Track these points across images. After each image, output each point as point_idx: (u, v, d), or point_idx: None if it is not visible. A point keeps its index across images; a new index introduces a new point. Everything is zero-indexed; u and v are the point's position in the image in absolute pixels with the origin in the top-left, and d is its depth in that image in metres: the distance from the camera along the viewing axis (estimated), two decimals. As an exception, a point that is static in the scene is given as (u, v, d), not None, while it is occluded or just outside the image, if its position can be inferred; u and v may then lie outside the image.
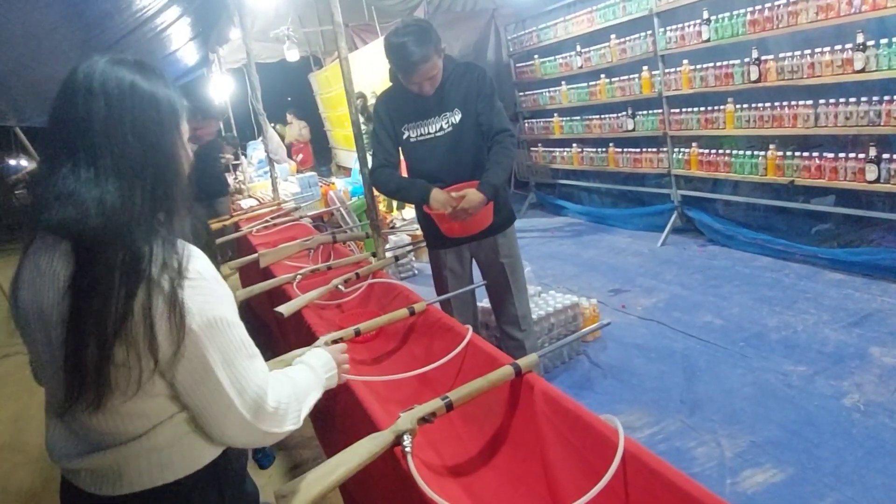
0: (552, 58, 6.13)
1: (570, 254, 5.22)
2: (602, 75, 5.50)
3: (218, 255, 2.05)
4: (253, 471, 2.62)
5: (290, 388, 1.10)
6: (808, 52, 3.68)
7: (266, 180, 6.47)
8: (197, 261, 0.94)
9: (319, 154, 10.76)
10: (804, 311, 3.33)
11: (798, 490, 2.04)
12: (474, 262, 2.59)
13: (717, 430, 2.42)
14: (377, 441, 1.18)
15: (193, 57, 7.29)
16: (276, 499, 1.07)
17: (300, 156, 9.75)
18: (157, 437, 0.98)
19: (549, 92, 6.31)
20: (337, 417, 1.80)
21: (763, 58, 3.96)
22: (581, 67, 5.75)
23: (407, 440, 1.17)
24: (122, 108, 0.93)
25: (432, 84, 2.25)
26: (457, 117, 2.32)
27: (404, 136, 2.37)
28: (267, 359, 1.68)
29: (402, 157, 2.47)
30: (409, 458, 1.13)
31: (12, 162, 16.35)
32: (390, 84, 2.41)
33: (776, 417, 2.44)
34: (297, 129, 9.95)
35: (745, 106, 4.18)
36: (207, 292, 0.93)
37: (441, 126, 2.32)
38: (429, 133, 2.34)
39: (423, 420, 1.23)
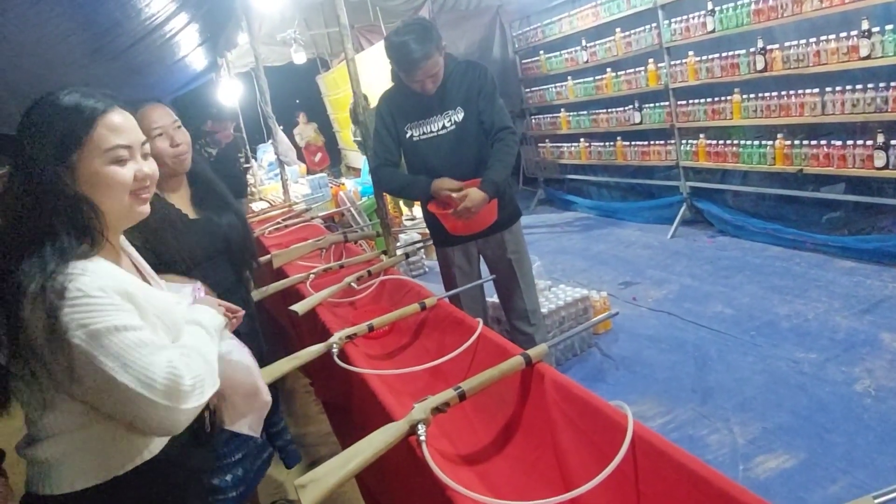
0: (558, 53, 6.15)
1: (579, 248, 5.24)
2: (608, 69, 5.51)
3: (255, 254, 2.09)
4: (277, 469, 2.66)
5: (200, 359, 1.11)
6: (813, 40, 3.67)
7: (276, 183, 6.53)
8: (80, 279, 0.97)
9: (329, 155, 10.84)
10: (815, 299, 3.34)
11: (810, 475, 2.06)
12: (482, 258, 2.62)
13: (730, 418, 2.44)
14: (392, 431, 1.21)
15: (202, 62, 7.35)
16: (296, 489, 1.10)
17: (318, 155, 9.90)
18: (86, 435, 1.05)
19: (555, 87, 6.33)
20: (353, 411, 1.84)
21: (769, 47, 3.96)
22: (587, 62, 5.76)
23: (421, 429, 1.20)
24: None
25: (434, 82, 2.27)
26: (459, 115, 2.34)
27: (407, 135, 2.39)
28: (280, 357, 1.74)
29: (401, 157, 2.50)
30: (424, 446, 1.16)
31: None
32: (392, 84, 2.44)
33: (788, 404, 2.46)
34: (311, 130, 10.08)
35: (751, 96, 4.18)
36: (90, 307, 0.96)
37: (444, 124, 2.35)
38: (431, 132, 2.36)
39: (437, 410, 1.26)
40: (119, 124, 1.08)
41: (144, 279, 1.25)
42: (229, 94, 6.86)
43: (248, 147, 7.82)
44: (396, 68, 2.29)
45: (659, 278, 4.11)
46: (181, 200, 1.86)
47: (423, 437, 1.18)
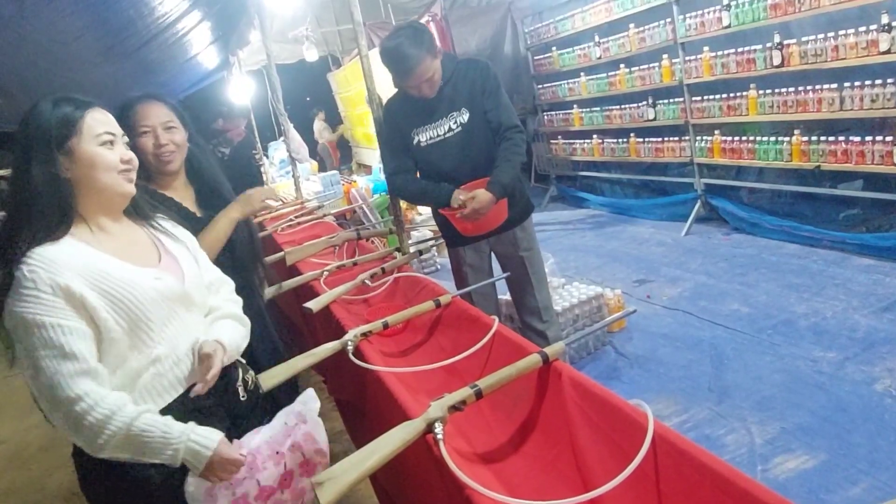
0: (570, 49, 6.11)
1: (592, 245, 5.21)
2: (621, 65, 5.47)
3: (262, 258, 2.08)
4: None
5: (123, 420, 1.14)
6: (831, 34, 3.62)
7: (288, 180, 6.54)
8: (37, 270, 1.12)
9: (340, 152, 10.90)
10: (833, 298, 3.29)
11: (831, 476, 2.03)
12: (493, 255, 2.60)
13: (747, 418, 2.41)
14: (409, 429, 1.20)
15: (214, 60, 7.39)
16: (313, 486, 1.10)
17: (339, 152, 10.05)
18: None
19: (567, 84, 6.29)
20: (367, 409, 1.83)
21: (785, 42, 3.91)
22: (600, 58, 5.72)
23: (438, 428, 1.19)
24: None
25: (431, 86, 2.25)
26: (465, 116, 2.31)
27: (414, 142, 2.37)
28: (294, 355, 1.73)
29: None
30: (442, 444, 1.15)
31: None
32: (395, 90, 2.42)
33: (807, 404, 2.42)
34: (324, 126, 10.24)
35: (768, 91, 4.13)
36: (28, 298, 1.11)
37: (450, 126, 2.33)
38: (438, 135, 2.34)
39: (454, 408, 1.25)
40: (102, 117, 1.27)
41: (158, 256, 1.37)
42: (241, 91, 6.87)
43: (260, 145, 7.84)
44: (391, 73, 2.26)
45: (673, 276, 4.08)
46: (186, 199, 1.87)
47: (440, 436, 1.17)
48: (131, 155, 1.30)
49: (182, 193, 1.87)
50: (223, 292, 1.51)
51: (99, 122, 1.26)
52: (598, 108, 5.97)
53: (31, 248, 1.15)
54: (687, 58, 4.73)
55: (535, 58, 6.80)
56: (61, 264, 1.14)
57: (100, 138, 1.24)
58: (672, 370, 2.89)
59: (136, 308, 1.21)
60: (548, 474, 1.27)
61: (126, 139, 1.32)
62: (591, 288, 3.34)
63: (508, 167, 2.25)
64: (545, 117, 6.89)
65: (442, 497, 1.22)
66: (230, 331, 1.40)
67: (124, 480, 1.21)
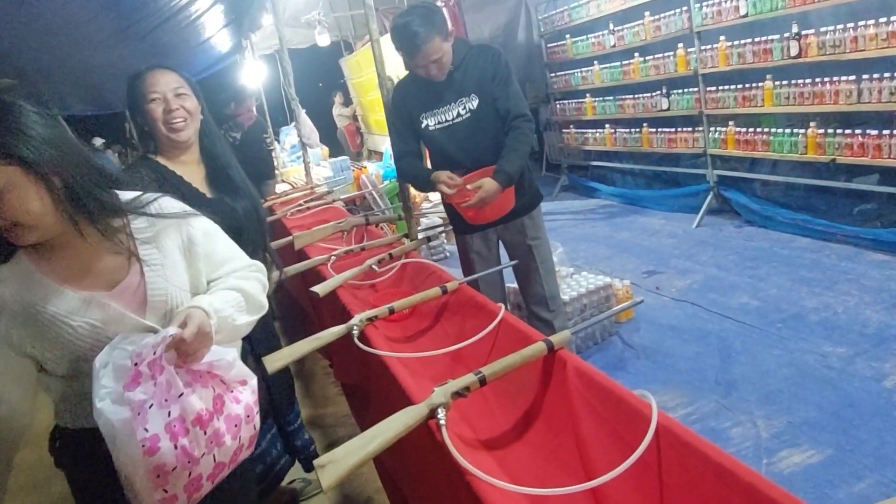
0: (584, 37, 6.05)
1: (602, 236, 5.18)
2: (636, 54, 5.41)
3: (268, 242, 2.07)
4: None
5: None
6: (851, 25, 3.55)
7: (298, 165, 6.54)
8: None
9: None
10: (845, 293, 3.26)
11: (836, 471, 2.02)
12: (501, 244, 2.59)
13: (754, 411, 2.39)
14: (412, 414, 1.21)
15: (227, 44, 7.37)
16: (316, 469, 1.10)
17: (358, 138, 10.09)
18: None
19: (581, 72, 6.23)
20: (372, 394, 1.84)
21: (803, 32, 3.85)
22: (614, 46, 5.66)
23: (441, 413, 1.19)
24: None
25: (439, 68, 2.23)
26: (474, 103, 2.29)
27: (422, 125, 2.36)
28: (300, 338, 1.74)
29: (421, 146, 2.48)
30: (444, 430, 1.15)
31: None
32: (406, 73, 2.40)
33: (814, 399, 2.41)
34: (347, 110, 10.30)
35: (784, 83, 4.07)
36: None
37: (458, 112, 2.31)
38: (446, 120, 2.33)
39: (457, 394, 1.25)
40: None
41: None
42: (253, 76, 6.86)
43: (271, 129, 7.85)
44: (399, 51, 2.24)
45: (683, 268, 4.05)
46: (196, 179, 1.83)
47: (442, 421, 1.17)
48: None
49: (192, 170, 1.82)
50: (234, 268, 1.36)
51: None
52: (611, 98, 5.91)
53: None
54: (702, 47, 4.67)
55: (549, 45, 6.73)
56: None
57: None
58: (679, 362, 2.88)
59: (68, 346, 1.12)
60: (550, 463, 1.27)
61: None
62: (600, 278, 3.32)
63: (515, 156, 2.23)
64: (557, 106, 6.83)
65: (444, 482, 1.22)
66: (219, 297, 1.24)
67: (96, 454, 1.14)
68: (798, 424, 2.27)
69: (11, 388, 3.43)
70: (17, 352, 1.15)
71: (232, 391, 1.21)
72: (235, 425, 1.18)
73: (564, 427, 1.29)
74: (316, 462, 1.10)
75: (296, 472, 2.56)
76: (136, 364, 1.04)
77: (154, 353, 1.06)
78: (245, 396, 1.22)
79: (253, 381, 1.25)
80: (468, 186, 2.20)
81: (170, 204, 1.27)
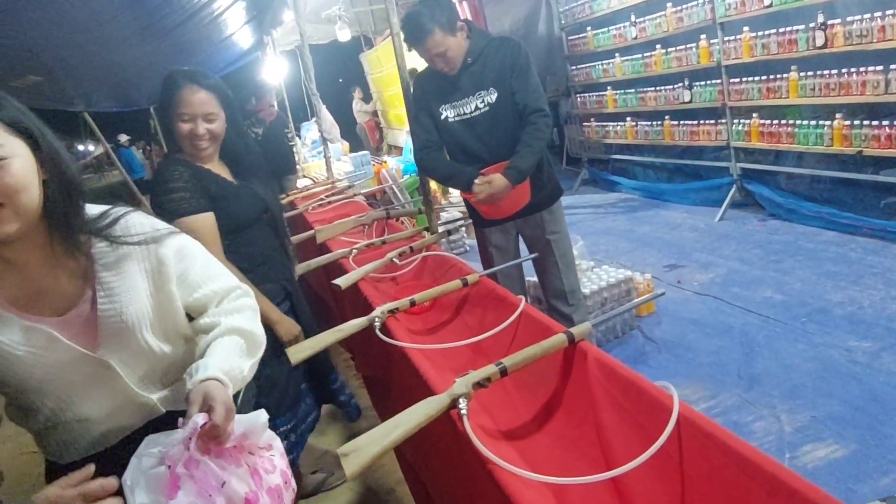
0: (605, 29, 6.00)
1: (623, 229, 5.15)
2: (658, 46, 5.36)
3: (287, 232, 2.16)
4: (318, 440, 2.71)
5: None
6: (878, 14, 3.48)
7: (319, 160, 6.59)
8: None
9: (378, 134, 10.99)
10: (871, 287, 3.21)
11: (861, 466, 1.99)
12: (521, 238, 2.59)
13: (777, 405, 2.37)
14: (433, 404, 1.22)
15: (248, 40, 7.44)
16: (339, 457, 1.12)
17: (378, 134, 10.17)
18: None
19: (602, 64, 6.19)
20: (393, 385, 1.86)
21: (829, 22, 3.78)
22: (636, 38, 5.61)
23: (462, 403, 1.20)
24: None
25: (446, 62, 2.24)
26: (493, 96, 2.29)
27: (442, 117, 2.37)
28: (322, 330, 1.76)
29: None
30: (465, 420, 1.16)
31: (81, 147, 17.04)
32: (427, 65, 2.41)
33: (839, 393, 2.38)
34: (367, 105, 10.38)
35: (809, 73, 4.01)
36: None
37: (476, 105, 2.31)
38: (465, 113, 2.33)
39: (478, 385, 1.26)
40: None
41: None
42: (274, 72, 6.92)
43: (292, 124, 7.92)
44: (405, 40, 2.27)
45: (706, 262, 4.01)
46: (224, 171, 1.93)
47: (464, 411, 1.19)
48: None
49: (217, 168, 1.93)
50: (224, 303, 1.21)
51: None
52: (632, 90, 5.86)
53: None
54: (726, 38, 4.61)
55: (570, 38, 6.69)
56: None
57: None
58: (701, 356, 2.86)
59: (16, 376, 1.02)
60: (571, 453, 1.28)
61: None
62: (621, 271, 3.31)
63: (528, 153, 2.22)
64: (578, 99, 6.79)
65: (465, 472, 1.23)
66: (220, 353, 1.11)
67: None
68: (822, 419, 2.25)
69: None
70: None
71: (262, 459, 1.09)
72: (278, 496, 1.07)
73: (585, 418, 1.29)
74: (339, 451, 1.12)
75: (319, 461, 2.61)
76: (170, 467, 0.93)
77: (188, 450, 0.94)
78: (277, 461, 1.10)
79: (277, 442, 1.13)
80: (477, 181, 2.20)
81: (139, 221, 1.14)
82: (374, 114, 10.50)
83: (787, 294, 3.31)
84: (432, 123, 2.40)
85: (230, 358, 1.10)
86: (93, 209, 1.10)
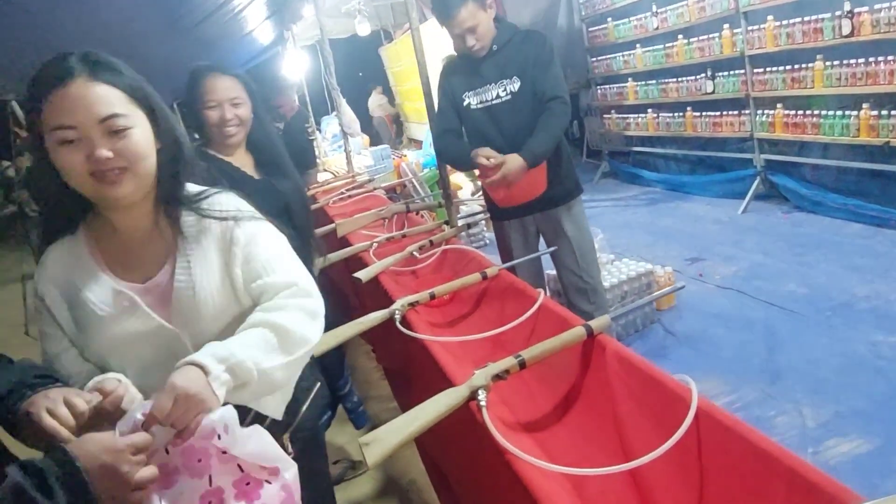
0: (626, 20, 5.94)
1: (644, 222, 5.11)
2: (679, 36, 5.29)
3: (311, 229, 2.17)
4: (339, 431, 2.76)
5: None
6: (908, 1, 3.41)
7: (340, 154, 6.63)
8: (36, 276, 1.11)
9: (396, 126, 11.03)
10: (899, 280, 3.15)
11: (886, 461, 1.97)
12: (540, 235, 2.58)
13: (800, 400, 2.35)
14: (453, 395, 1.23)
15: (269, 36, 7.50)
16: (360, 446, 1.14)
17: (394, 128, 10.24)
18: None
19: (622, 56, 6.13)
20: (413, 377, 1.88)
21: (856, 10, 3.70)
22: (657, 29, 5.55)
23: (482, 395, 1.22)
24: None
25: (477, 39, 2.23)
26: (515, 85, 2.29)
27: (464, 104, 2.38)
28: (342, 323, 1.78)
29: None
30: (485, 411, 1.17)
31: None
32: (453, 53, 2.42)
33: (864, 388, 2.35)
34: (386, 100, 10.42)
35: (835, 63, 3.93)
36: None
37: (498, 93, 2.31)
38: (487, 100, 2.34)
39: (497, 377, 1.27)
40: (63, 104, 0.96)
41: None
42: (294, 66, 6.97)
43: (313, 119, 7.96)
44: (435, 15, 2.27)
45: (728, 255, 3.97)
46: (247, 165, 1.95)
47: (483, 403, 1.20)
48: (105, 154, 0.97)
49: (242, 160, 1.94)
50: (276, 298, 1.13)
51: (56, 111, 0.96)
52: (653, 81, 5.80)
53: (46, 245, 1.11)
54: (749, 28, 4.54)
55: (590, 29, 6.63)
56: (48, 270, 1.09)
57: (56, 134, 0.96)
58: (722, 350, 2.84)
59: (95, 335, 1.07)
60: (589, 445, 1.28)
61: (119, 126, 0.98)
62: (641, 264, 3.29)
63: (544, 136, 2.21)
64: (598, 91, 6.74)
65: (484, 462, 1.25)
66: (236, 339, 1.03)
67: None
68: (846, 414, 2.22)
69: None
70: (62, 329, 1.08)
71: (253, 484, 0.95)
72: None
73: (603, 411, 1.30)
74: (360, 440, 1.14)
75: (339, 452, 2.64)
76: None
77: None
78: (272, 493, 0.96)
79: (288, 473, 0.98)
80: (492, 161, 2.18)
81: (226, 200, 1.17)
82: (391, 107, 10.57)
83: (812, 287, 3.27)
84: (454, 113, 2.42)
85: (243, 346, 1.01)
86: (192, 188, 1.16)
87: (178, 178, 1.12)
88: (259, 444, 0.94)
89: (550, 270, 2.95)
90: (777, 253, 3.84)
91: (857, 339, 2.69)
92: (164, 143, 1.08)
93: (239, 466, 0.93)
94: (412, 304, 1.82)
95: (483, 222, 4.96)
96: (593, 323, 1.39)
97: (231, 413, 0.92)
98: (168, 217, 1.11)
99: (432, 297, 1.86)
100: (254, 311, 1.11)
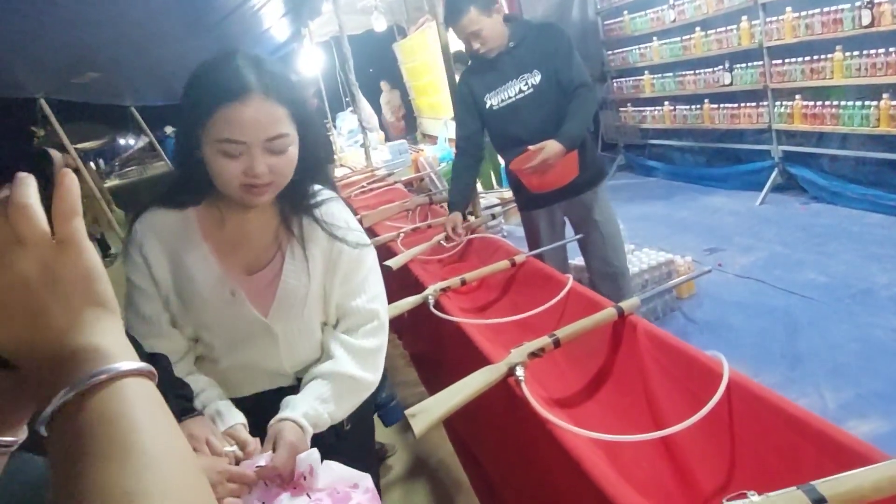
0: (643, 12, 5.95)
1: (662, 214, 5.13)
2: (697, 28, 5.30)
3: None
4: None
5: None
6: (929, -10, 3.41)
7: (356, 149, 6.70)
8: (136, 226, 1.15)
9: (405, 123, 11.06)
10: (919, 268, 3.17)
11: (907, 441, 2.01)
12: (567, 222, 2.64)
13: (820, 383, 2.39)
14: (492, 372, 1.30)
15: (286, 32, 7.57)
16: (408, 417, 1.20)
17: (402, 122, 10.32)
18: None
19: (639, 49, 6.14)
20: (446, 360, 1.94)
21: (877, 0, 3.70)
22: (674, 21, 5.55)
23: (520, 371, 1.28)
24: None
25: (482, 43, 2.30)
26: (536, 78, 2.35)
27: (487, 106, 2.43)
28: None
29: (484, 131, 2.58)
30: (524, 384, 1.24)
31: (122, 141, 17.49)
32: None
33: (884, 371, 2.38)
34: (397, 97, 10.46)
35: (855, 53, 3.93)
36: (127, 254, 1.15)
37: (520, 88, 2.37)
38: (509, 97, 2.39)
39: (533, 354, 1.33)
40: (234, 116, 1.00)
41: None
42: (311, 62, 7.04)
43: (329, 115, 8.04)
44: (446, 24, 2.38)
45: (746, 245, 4.00)
46: None
47: (521, 378, 1.26)
48: (263, 171, 1.02)
49: None
50: (355, 329, 1.23)
51: (227, 126, 0.99)
52: (670, 74, 5.81)
53: (154, 208, 1.15)
54: (768, 19, 4.54)
55: (605, 22, 6.65)
56: (157, 231, 1.12)
57: (221, 145, 1.00)
58: (743, 336, 2.88)
59: (194, 312, 1.14)
60: (622, 420, 1.34)
61: (281, 146, 1.04)
62: (661, 254, 3.33)
63: (577, 121, 2.29)
64: (614, 84, 6.75)
65: (522, 435, 1.31)
66: (309, 395, 1.14)
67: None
68: (867, 396, 2.26)
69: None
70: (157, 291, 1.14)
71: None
72: None
73: (635, 387, 1.35)
74: (407, 412, 1.21)
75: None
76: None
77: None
78: None
79: (366, 479, 1.05)
80: (531, 148, 2.26)
81: (338, 211, 1.23)
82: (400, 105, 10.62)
83: (831, 276, 3.29)
84: (472, 117, 2.49)
85: (324, 404, 1.13)
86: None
87: (306, 188, 1.18)
88: (336, 472, 1.03)
89: (572, 261, 3.01)
90: (796, 243, 3.87)
91: (878, 325, 2.72)
92: (303, 156, 1.10)
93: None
94: (443, 290, 1.88)
95: (501, 216, 5.01)
96: (623, 304, 1.44)
97: (315, 456, 1.01)
98: (283, 218, 1.17)
99: (463, 282, 1.92)
100: (338, 338, 1.21)
